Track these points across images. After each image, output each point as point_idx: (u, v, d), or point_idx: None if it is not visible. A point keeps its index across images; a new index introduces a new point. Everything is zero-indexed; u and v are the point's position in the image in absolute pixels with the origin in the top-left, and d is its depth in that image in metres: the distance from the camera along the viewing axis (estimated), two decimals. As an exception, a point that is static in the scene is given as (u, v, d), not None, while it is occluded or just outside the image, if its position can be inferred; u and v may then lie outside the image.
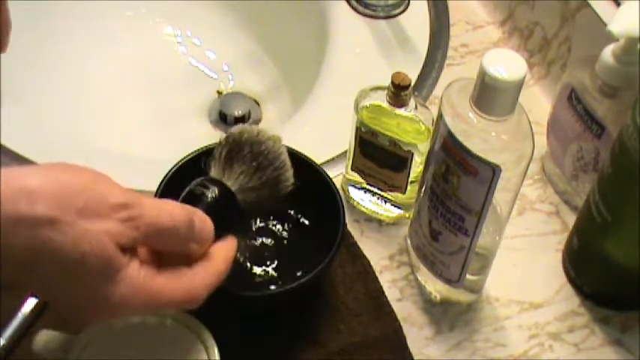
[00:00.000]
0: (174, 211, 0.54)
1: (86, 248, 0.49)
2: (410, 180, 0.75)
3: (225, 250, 0.59)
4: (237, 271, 0.60)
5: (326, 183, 0.71)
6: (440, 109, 0.64)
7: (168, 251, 0.55)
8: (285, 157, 0.63)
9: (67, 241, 0.49)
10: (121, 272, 0.51)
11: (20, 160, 0.80)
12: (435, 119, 0.67)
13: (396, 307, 0.73)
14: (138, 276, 0.52)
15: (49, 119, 0.88)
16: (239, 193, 0.61)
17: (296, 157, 0.72)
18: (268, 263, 0.71)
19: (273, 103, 1.03)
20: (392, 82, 0.71)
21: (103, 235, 0.50)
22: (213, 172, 0.61)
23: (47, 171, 0.50)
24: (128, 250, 0.52)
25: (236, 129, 0.63)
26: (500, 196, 0.65)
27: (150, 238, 0.53)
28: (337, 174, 0.81)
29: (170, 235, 0.54)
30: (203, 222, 0.57)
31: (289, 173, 0.63)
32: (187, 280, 0.55)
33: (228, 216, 0.60)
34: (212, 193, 0.59)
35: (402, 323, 0.72)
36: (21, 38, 0.97)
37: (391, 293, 0.74)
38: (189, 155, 0.71)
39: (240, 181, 0.61)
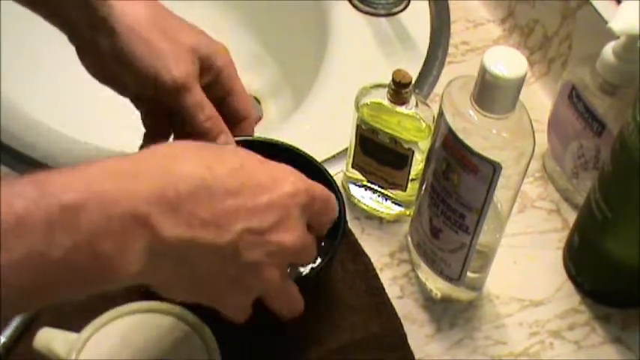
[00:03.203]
0: None
1: None
2: (410, 177, 0.75)
3: None
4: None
5: (327, 180, 0.71)
6: (440, 106, 0.64)
7: None
8: None
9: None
10: None
11: (20, 159, 0.80)
12: (435, 117, 0.67)
13: (396, 304, 0.73)
14: None
15: (49, 119, 0.88)
16: None
17: (297, 154, 0.72)
18: None
19: (274, 101, 1.03)
20: (393, 80, 0.71)
21: None
22: None
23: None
24: None
25: None
26: (501, 194, 0.65)
27: None
28: (338, 171, 0.81)
29: None
30: None
31: None
32: None
33: None
34: None
35: (402, 321, 0.72)
36: (20, 39, 0.97)
37: (392, 291, 0.74)
38: None
39: None
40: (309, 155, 0.73)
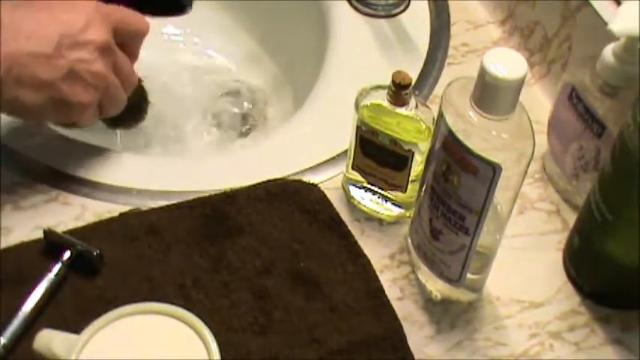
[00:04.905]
0: None
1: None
2: (410, 179, 0.75)
3: None
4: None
5: None
6: (440, 108, 0.64)
7: None
8: None
9: None
10: None
11: (21, 159, 0.80)
12: (435, 118, 0.67)
13: (396, 306, 0.73)
14: None
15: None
16: None
17: None
18: None
19: (274, 102, 1.03)
20: (392, 81, 0.71)
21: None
22: None
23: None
24: None
25: None
26: (501, 195, 0.65)
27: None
28: (338, 173, 0.81)
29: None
30: None
31: None
32: None
33: None
34: None
35: (402, 322, 0.72)
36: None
37: (392, 292, 0.74)
38: None
39: None
40: None
